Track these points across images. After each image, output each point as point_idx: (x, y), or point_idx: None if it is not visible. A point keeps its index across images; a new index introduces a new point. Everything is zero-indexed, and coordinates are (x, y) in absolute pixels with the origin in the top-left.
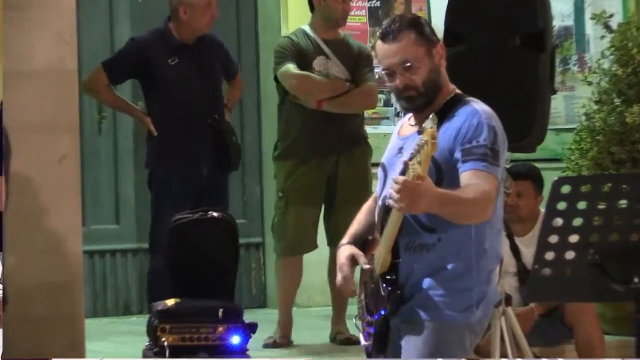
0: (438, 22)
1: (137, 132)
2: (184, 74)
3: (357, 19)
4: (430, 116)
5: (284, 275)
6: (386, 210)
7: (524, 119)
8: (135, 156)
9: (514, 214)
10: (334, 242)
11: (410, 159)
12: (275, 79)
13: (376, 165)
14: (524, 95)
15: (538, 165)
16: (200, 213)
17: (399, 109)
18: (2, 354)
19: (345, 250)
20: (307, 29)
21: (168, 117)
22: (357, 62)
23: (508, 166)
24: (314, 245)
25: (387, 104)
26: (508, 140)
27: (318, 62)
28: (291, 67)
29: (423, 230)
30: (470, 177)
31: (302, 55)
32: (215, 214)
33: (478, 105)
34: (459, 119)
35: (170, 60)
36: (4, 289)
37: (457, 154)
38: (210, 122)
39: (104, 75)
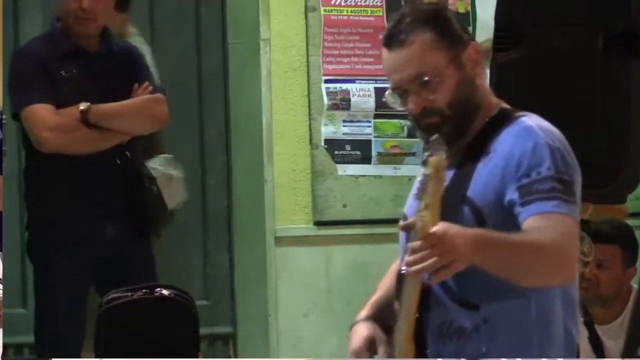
0: (486, 16)
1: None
2: (81, 91)
3: (369, 11)
4: (435, 136)
5: None
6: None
7: (610, 156)
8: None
9: (592, 291)
10: None
11: (418, 206)
12: None
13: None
14: (609, 120)
15: (630, 222)
16: (143, 291)
17: None
18: (2, 354)
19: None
20: None
21: (54, 155)
22: None
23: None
24: None
25: (414, 133)
26: (587, 187)
27: None
28: None
29: (460, 306)
30: (537, 225)
31: None
32: (165, 292)
33: (531, 120)
34: (506, 144)
35: (64, 71)
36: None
37: (512, 195)
38: (118, 162)
39: (39, 109)
